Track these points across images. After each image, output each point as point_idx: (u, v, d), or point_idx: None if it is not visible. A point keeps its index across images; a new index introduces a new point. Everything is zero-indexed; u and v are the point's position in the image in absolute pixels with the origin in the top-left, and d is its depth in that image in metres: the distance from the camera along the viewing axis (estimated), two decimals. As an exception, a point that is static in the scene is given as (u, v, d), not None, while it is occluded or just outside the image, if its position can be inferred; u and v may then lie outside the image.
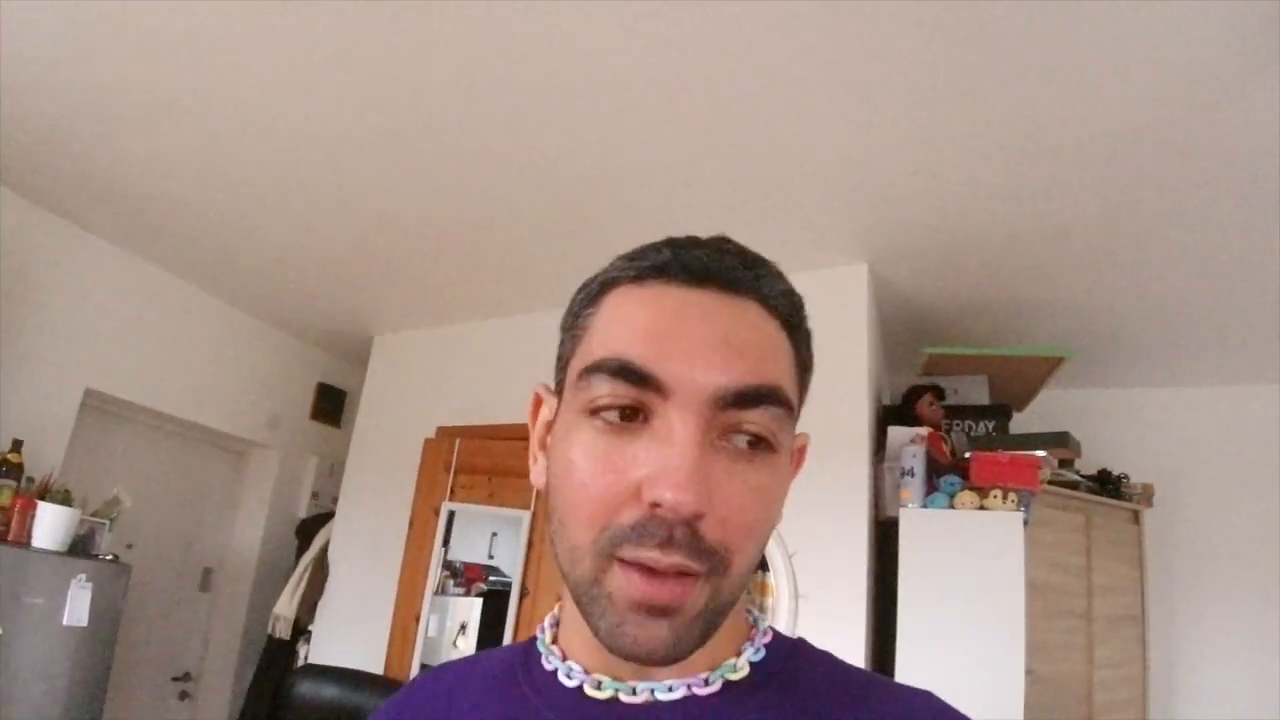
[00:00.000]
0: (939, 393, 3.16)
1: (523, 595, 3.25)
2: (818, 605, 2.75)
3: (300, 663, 3.62)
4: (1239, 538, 3.53)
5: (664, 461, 0.50)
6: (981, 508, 2.73)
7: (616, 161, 2.56)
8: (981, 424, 3.22)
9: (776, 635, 0.64)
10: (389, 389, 4.13)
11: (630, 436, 0.52)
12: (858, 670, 0.63)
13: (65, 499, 2.96)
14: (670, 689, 0.57)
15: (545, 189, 2.76)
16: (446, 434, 3.68)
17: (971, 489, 2.76)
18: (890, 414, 3.17)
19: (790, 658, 0.62)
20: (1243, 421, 3.64)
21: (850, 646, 2.64)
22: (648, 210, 2.79)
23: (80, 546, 2.99)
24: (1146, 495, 3.34)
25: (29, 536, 2.83)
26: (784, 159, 2.46)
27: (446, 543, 3.48)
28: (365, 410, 4.16)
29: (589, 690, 0.58)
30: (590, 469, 0.52)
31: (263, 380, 4.22)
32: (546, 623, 0.66)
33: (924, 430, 2.95)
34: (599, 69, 2.14)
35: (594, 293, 0.60)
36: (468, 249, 3.25)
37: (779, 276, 0.60)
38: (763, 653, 0.61)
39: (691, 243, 0.59)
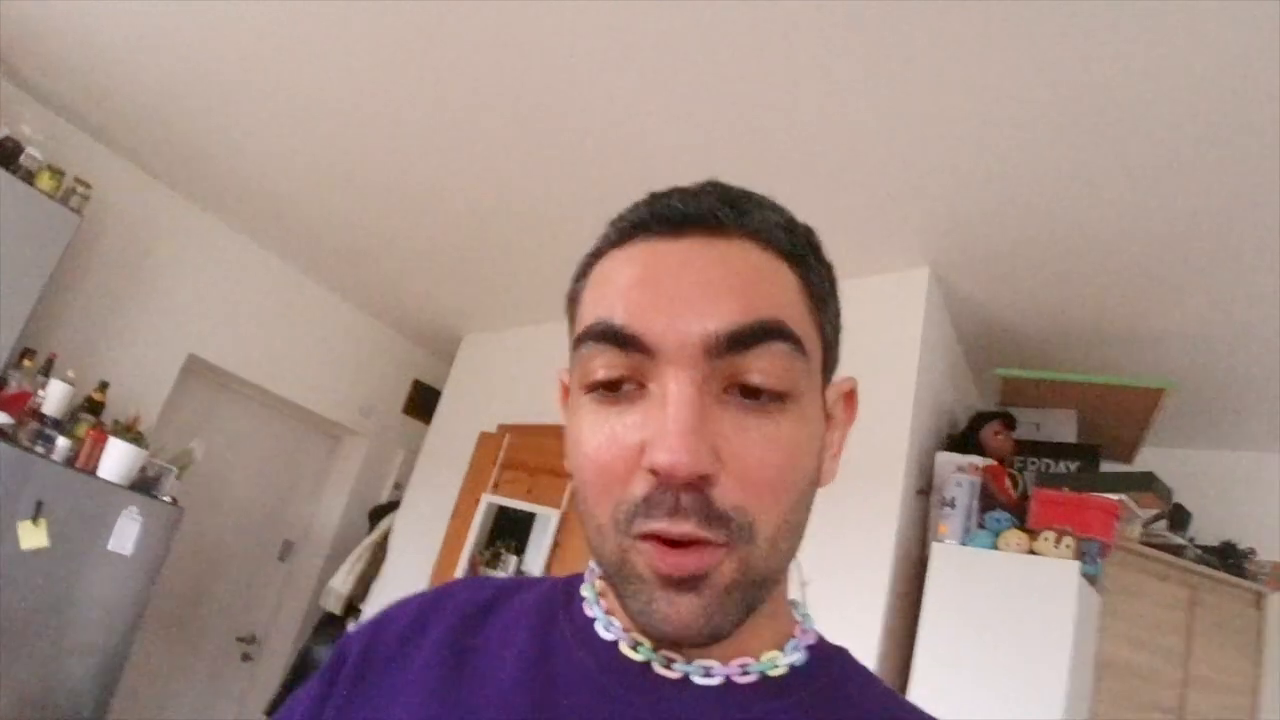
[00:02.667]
0: (1008, 421, 2.75)
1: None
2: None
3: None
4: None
5: (659, 425, 0.48)
6: (1031, 552, 2.33)
7: (667, 161, 2.46)
8: (1062, 464, 2.77)
9: (820, 640, 0.61)
10: (469, 386, 4.19)
11: (628, 405, 0.51)
12: (896, 694, 0.60)
13: (136, 439, 3.16)
14: (707, 673, 0.54)
15: (618, 185, 2.67)
16: (503, 429, 3.65)
17: (1022, 529, 2.37)
18: (954, 443, 2.79)
19: (831, 665, 0.59)
20: None
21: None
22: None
23: (144, 486, 3.17)
24: (1275, 575, 2.74)
25: (95, 467, 3.05)
26: (824, 149, 2.24)
27: (496, 539, 3.41)
28: (444, 406, 4.25)
29: (624, 649, 0.55)
30: (595, 444, 0.51)
31: (361, 370, 4.44)
32: (596, 567, 0.61)
33: (978, 459, 2.58)
34: (650, 73, 2.11)
35: (584, 267, 0.59)
36: (553, 247, 3.23)
37: (772, 208, 0.56)
38: (805, 654, 0.58)
39: (672, 192, 0.56)
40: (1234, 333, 2.56)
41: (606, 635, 0.56)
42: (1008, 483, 2.62)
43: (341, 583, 3.79)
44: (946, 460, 2.60)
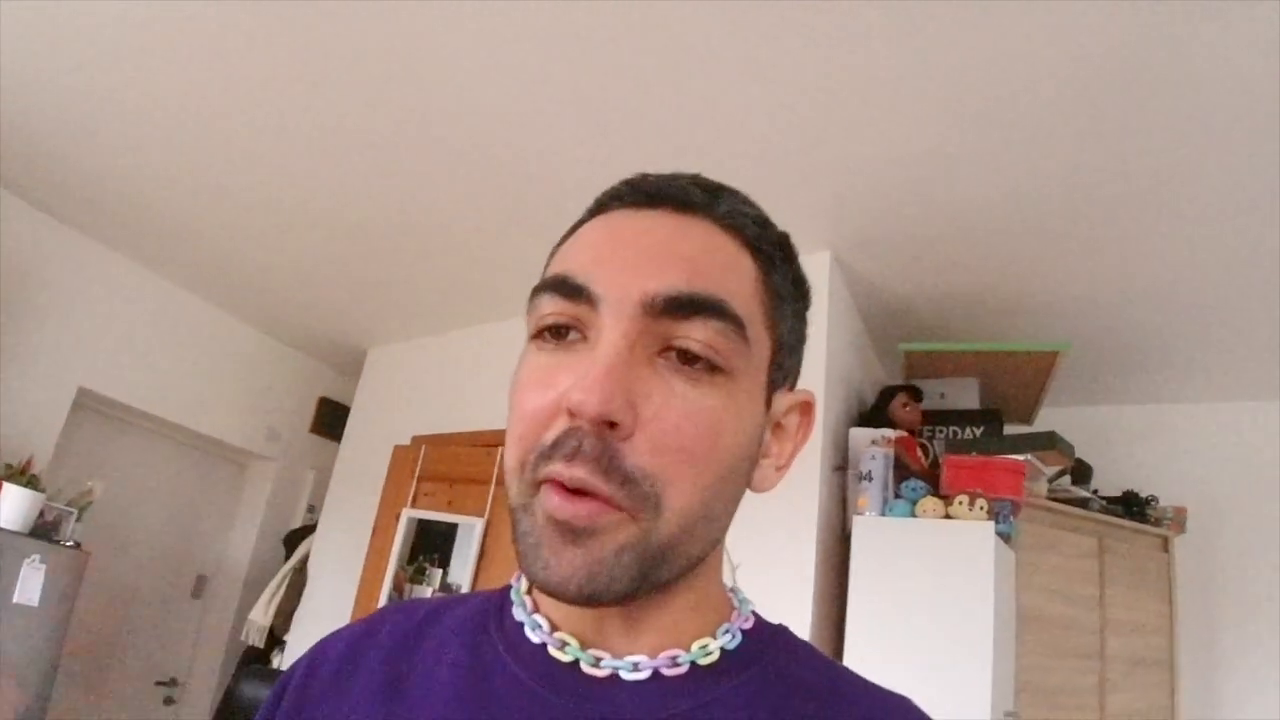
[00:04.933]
0: (915, 393, 2.84)
1: (472, 606, 3.09)
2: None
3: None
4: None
5: (584, 368, 0.47)
6: (947, 516, 2.40)
7: (562, 162, 2.47)
8: (969, 430, 2.87)
9: (759, 621, 0.59)
10: (378, 400, 4.10)
11: (567, 353, 0.51)
12: (837, 666, 0.59)
13: (31, 483, 3.01)
14: (635, 667, 0.52)
15: (515, 189, 2.67)
16: (417, 441, 3.59)
17: (937, 495, 2.44)
18: (865, 419, 2.86)
19: (768, 645, 0.58)
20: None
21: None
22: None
23: (44, 532, 3.03)
24: (1178, 520, 2.90)
25: (-10, 515, 2.90)
26: (721, 141, 2.26)
27: (419, 554, 3.35)
28: (354, 422, 4.15)
29: (552, 650, 0.54)
30: (527, 388, 0.51)
31: (264, 392, 4.28)
32: None
33: (889, 432, 2.65)
34: (540, 74, 2.10)
35: (559, 242, 0.60)
36: (452, 255, 3.19)
37: (747, 204, 0.58)
38: (739, 637, 0.56)
39: (650, 174, 0.58)
40: (1121, 293, 2.70)
41: (534, 638, 0.55)
42: (919, 452, 2.70)
43: (262, 614, 3.66)
44: (860, 435, 2.67)
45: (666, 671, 0.52)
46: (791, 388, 0.60)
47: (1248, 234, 2.31)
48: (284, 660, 3.63)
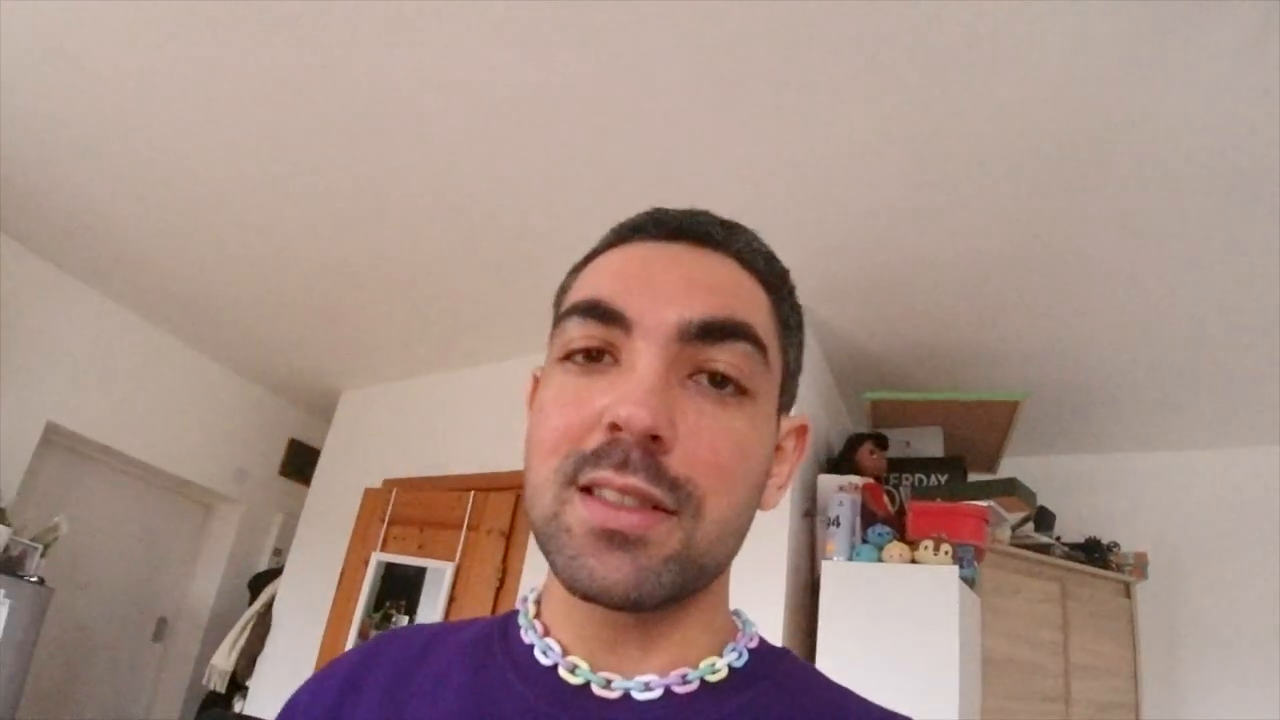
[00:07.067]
0: (881, 441, 2.90)
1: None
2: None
3: None
4: (1251, 614, 3.08)
5: (624, 388, 0.49)
6: (913, 560, 2.44)
7: (538, 216, 2.52)
8: (933, 478, 2.92)
9: (762, 642, 0.60)
10: (350, 444, 4.09)
11: (599, 375, 0.52)
12: (842, 687, 0.59)
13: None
14: (647, 687, 0.53)
15: (490, 238, 2.72)
16: (388, 484, 3.58)
17: (903, 541, 2.48)
18: (832, 465, 2.91)
19: (775, 665, 0.58)
20: (1249, 487, 3.22)
21: None
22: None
23: (8, 566, 3.00)
24: (1139, 565, 2.95)
25: (-46, 550, 2.86)
26: (706, 196, 2.32)
27: (385, 600, 3.33)
28: (325, 464, 4.13)
29: (563, 673, 0.54)
30: (558, 405, 0.52)
31: (233, 432, 4.25)
32: (530, 595, 0.62)
33: (856, 479, 2.69)
34: (515, 128, 2.16)
35: (579, 265, 0.62)
36: (429, 300, 3.23)
37: (757, 240, 0.61)
38: (745, 656, 0.57)
39: (670, 209, 0.61)
40: (1078, 345, 2.78)
41: (545, 661, 0.55)
42: (885, 499, 2.74)
43: (224, 659, 3.60)
44: (828, 482, 2.71)
45: (677, 689, 0.53)
46: (788, 413, 0.63)
47: (1199, 291, 2.40)
48: (245, 706, 3.57)
